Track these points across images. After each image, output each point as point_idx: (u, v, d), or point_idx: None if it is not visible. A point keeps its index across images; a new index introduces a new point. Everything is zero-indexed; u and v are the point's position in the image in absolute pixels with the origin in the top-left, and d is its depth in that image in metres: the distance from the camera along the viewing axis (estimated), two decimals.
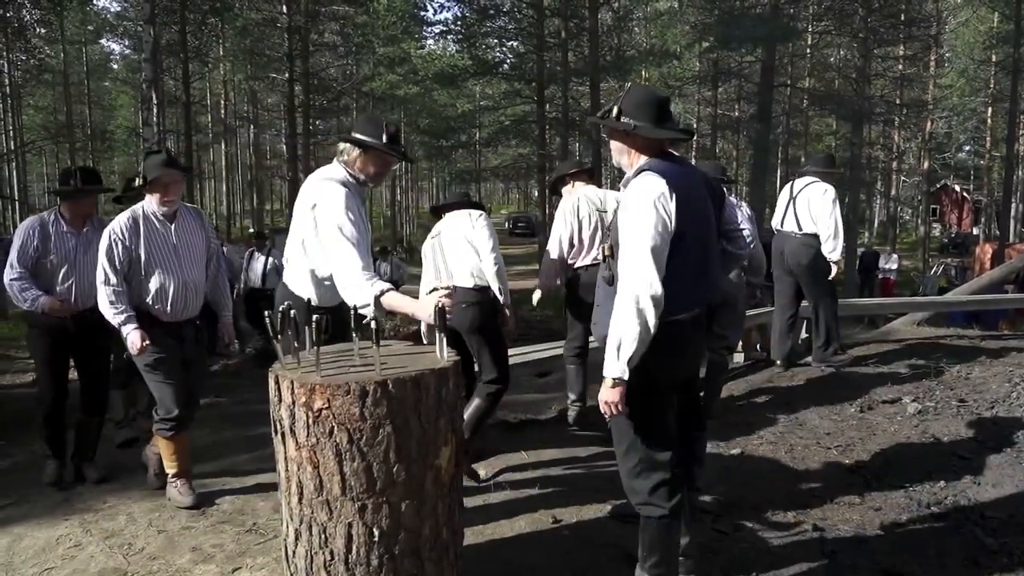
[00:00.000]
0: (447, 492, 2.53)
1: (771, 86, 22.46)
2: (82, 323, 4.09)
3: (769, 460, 4.25)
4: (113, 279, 3.59)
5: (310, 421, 2.35)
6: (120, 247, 3.61)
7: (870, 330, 9.02)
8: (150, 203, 3.72)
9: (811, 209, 5.73)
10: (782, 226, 5.94)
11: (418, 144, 31.95)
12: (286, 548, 2.55)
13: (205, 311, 4.04)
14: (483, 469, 4.11)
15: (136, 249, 3.63)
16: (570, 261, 4.54)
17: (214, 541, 3.29)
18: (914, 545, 3.24)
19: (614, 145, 2.63)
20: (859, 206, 28.86)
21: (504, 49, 25.13)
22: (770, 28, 19.81)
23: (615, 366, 2.38)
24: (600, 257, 3.01)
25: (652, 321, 2.35)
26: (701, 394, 3.24)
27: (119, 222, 3.65)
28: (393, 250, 15.09)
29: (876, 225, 42.71)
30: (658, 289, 2.35)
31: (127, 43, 34.85)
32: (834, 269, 5.80)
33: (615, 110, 2.55)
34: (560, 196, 4.80)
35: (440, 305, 2.62)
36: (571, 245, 4.52)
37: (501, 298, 4.06)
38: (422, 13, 29.45)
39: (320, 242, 2.99)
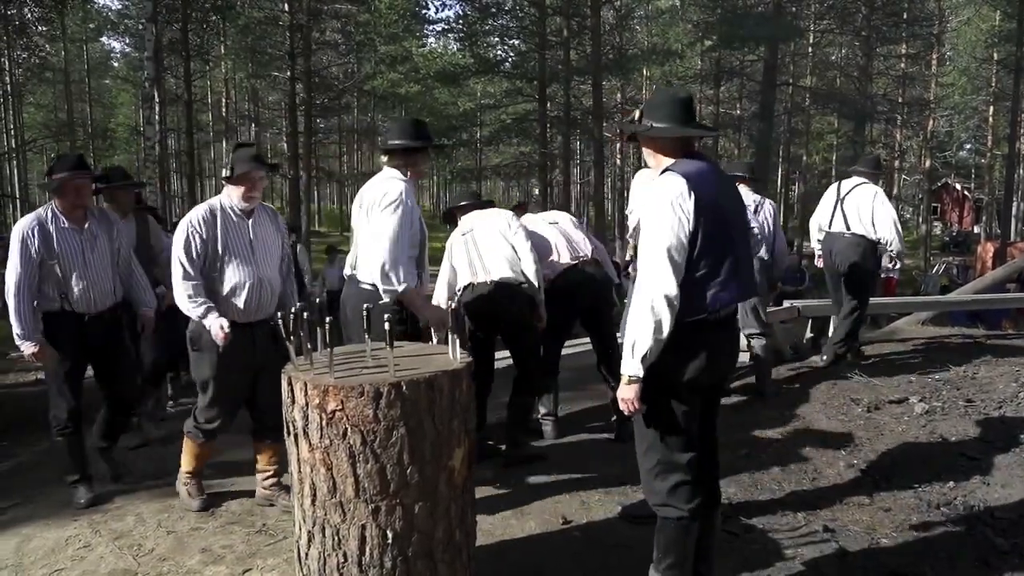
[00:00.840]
0: (460, 494, 2.53)
1: (773, 85, 22.48)
2: (99, 325, 3.86)
3: (777, 460, 4.24)
4: (192, 272, 3.41)
5: (324, 423, 2.35)
6: (198, 239, 3.42)
7: (873, 330, 9.00)
8: (230, 197, 3.54)
9: (862, 211, 5.84)
10: (830, 227, 6.02)
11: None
12: (299, 550, 2.55)
13: None
14: (491, 470, 4.11)
15: (214, 243, 3.45)
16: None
17: (224, 542, 3.28)
18: (924, 546, 3.23)
19: (644, 149, 2.65)
20: None
21: (506, 47, 25.13)
22: (772, 27, 19.81)
23: (630, 364, 2.40)
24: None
25: (666, 320, 2.35)
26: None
27: (196, 214, 3.46)
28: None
29: None
30: (672, 290, 2.35)
31: (128, 41, 34.82)
32: (897, 265, 5.98)
33: (638, 114, 2.57)
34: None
35: (453, 307, 2.62)
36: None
37: (540, 295, 4.18)
38: (424, 11, 29.50)
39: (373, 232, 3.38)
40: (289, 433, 2.49)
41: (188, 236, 3.42)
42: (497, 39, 24.38)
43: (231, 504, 3.73)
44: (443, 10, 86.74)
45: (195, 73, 24.87)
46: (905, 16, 25.18)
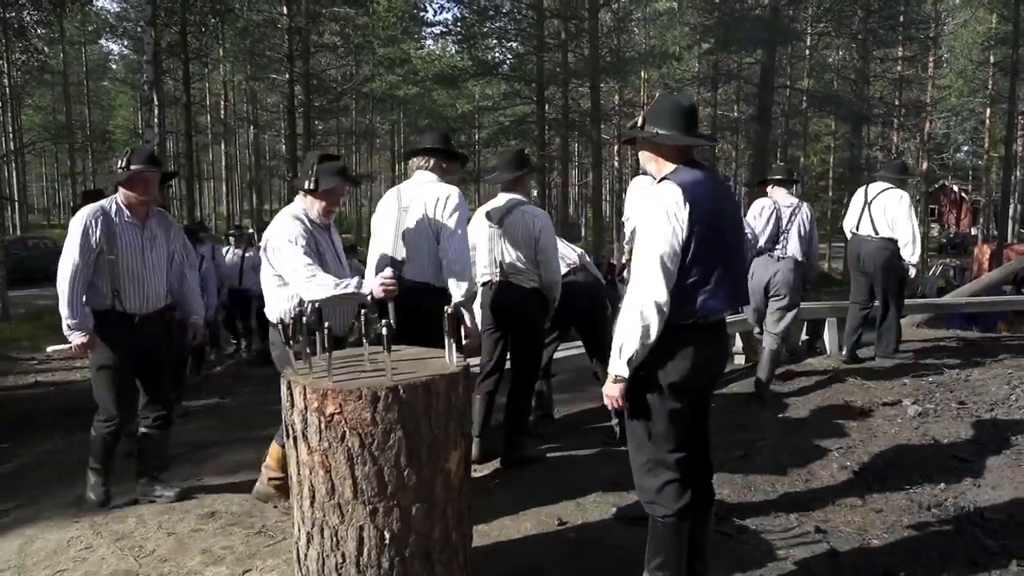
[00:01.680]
0: (456, 495, 2.57)
1: (770, 87, 22.55)
2: (148, 327, 3.73)
3: (771, 462, 4.28)
4: (317, 266, 3.29)
5: (322, 426, 2.39)
6: (311, 247, 3.34)
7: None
8: (312, 208, 3.44)
9: (887, 215, 6.04)
10: (857, 230, 6.23)
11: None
12: (298, 551, 2.59)
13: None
14: (488, 471, 4.15)
15: (315, 253, 3.37)
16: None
17: (224, 543, 3.32)
18: (915, 546, 3.27)
19: (642, 155, 2.69)
20: None
21: (504, 50, 25.24)
22: (769, 30, 19.88)
23: (616, 363, 2.49)
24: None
25: (654, 325, 2.42)
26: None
27: (296, 229, 3.33)
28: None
29: None
30: (662, 296, 2.41)
31: (127, 44, 34.87)
32: (912, 271, 6.16)
33: (641, 119, 2.62)
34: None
35: (450, 312, 2.66)
36: None
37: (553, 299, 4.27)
38: (422, 14, 29.51)
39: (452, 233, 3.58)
40: (288, 436, 2.53)
41: (298, 245, 3.29)
42: (495, 41, 24.47)
43: (231, 505, 3.76)
44: (441, 12, 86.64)
45: (194, 75, 24.95)
46: (902, 19, 25.27)
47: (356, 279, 3.29)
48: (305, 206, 3.46)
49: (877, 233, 6.08)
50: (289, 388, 2.49)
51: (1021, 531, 3.37)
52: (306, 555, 2.53)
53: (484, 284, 4.18)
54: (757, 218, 5.54)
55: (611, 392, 2.53)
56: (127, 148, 3.74)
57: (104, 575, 3.12)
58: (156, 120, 14.64)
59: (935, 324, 9.47)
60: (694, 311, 2.48)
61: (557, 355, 5.49)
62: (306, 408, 2.42)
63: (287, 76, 22.62)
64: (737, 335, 6.73)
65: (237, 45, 25.39)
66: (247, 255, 9.80)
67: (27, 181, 41.06)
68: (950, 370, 5.90)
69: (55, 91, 35.10)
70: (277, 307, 3.45)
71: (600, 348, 4.57)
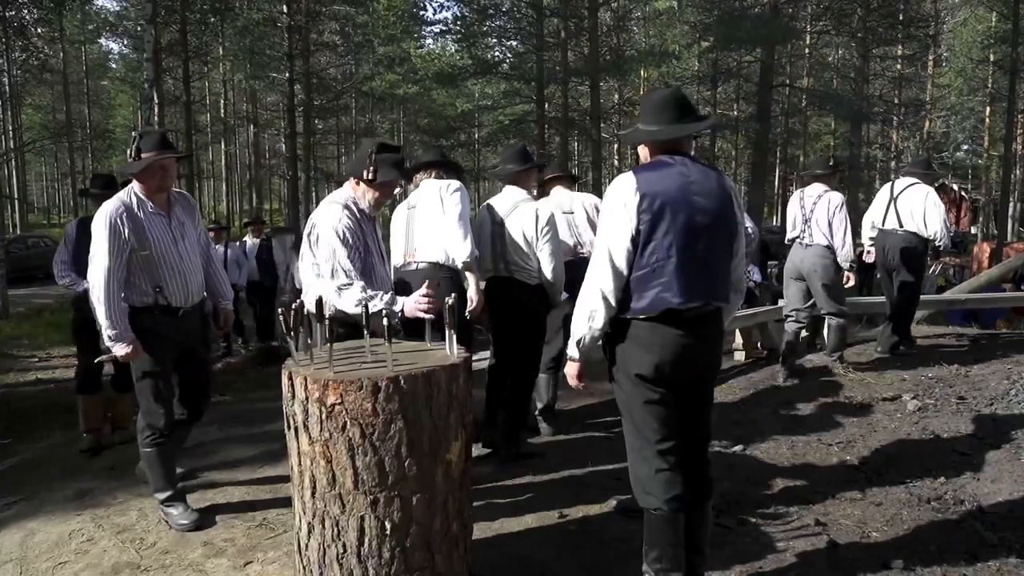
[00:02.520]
0: (457, 486, 2.58)
1: (770, 86, 22.54)
2: (191, 320, 3.57)
3: (771, 456, 4.29)
4: (356, 273, 3.21)
5: (323, 416, 2.40)
6: (358, 240, 3.27)
7: (869, 329, 9.06)
8: (363, 198, 3.37)
9: (913, 209, 6.20)
10: (883, 224, 6.37)
11: (418, 143, 31.98)
12: (299, 541, 2.60)
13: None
14: (488, 466, 4.16)
15: (363, 245, 3.33)
16: None
17: (225, 535, 3.33)
18: (914, 539, 3.28)
19: (639, 150, 2.73)
20: (858, 205, 28.91)
21: (503, 48, 25.25)
22: (769, 28, 19.87)
23: (570, 345, 2.62)
24: None
25: (600, 312, 2.51)
26: None
27: (344, 216, 3.25)
28: None
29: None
30: (607, 284, 2.49)
31: (127, 42, 34.89)
32: (937, 267, 6.27)
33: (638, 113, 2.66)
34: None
35: (450, 303, 2.67)
36: None
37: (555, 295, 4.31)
38: (422, 12, 29.56)
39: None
40: (289, 427, 2.54)
41: (343, 240, 3.21)
42: (495, 40, 24.48)
43: (232, 499, 3.77)
44: (441, 11, 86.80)
45: (194, 74, 24.95)
46: (901, 17, 25.25)
47: (389, 295, 3.17)
48: (356, 195, 3.37)
49: (902, 227, 6.23)
50: (290, 379, 2.50)
51: (1021, 524, 3.38)
52: (307, 545, 2.54)
53: (489, 280, 4.19)
54: (790, 209, 6.00)
55: (567, 371, 2.69)
56: (134, 134, 3.44)
57: (106, 567, 3.13)
58: (156, 119, 14.63)
59: (935, 321, 9.49)
60: (649, 303, 2.48)
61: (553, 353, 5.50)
62: (307, 399, 2.43)
63: (287, 75, 22.64)
64: (736, 331, 6.74)
65: (237, 44, 25.38)
66: (228, 250, 9.98)
67: (27, 180, 41.06)
68: (950, 366, 5.91)
69: (55, 90, 35.08)
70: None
71: None
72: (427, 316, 2.98)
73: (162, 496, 3.47)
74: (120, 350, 3.31)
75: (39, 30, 21.59)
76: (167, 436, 3.46)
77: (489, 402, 4.36)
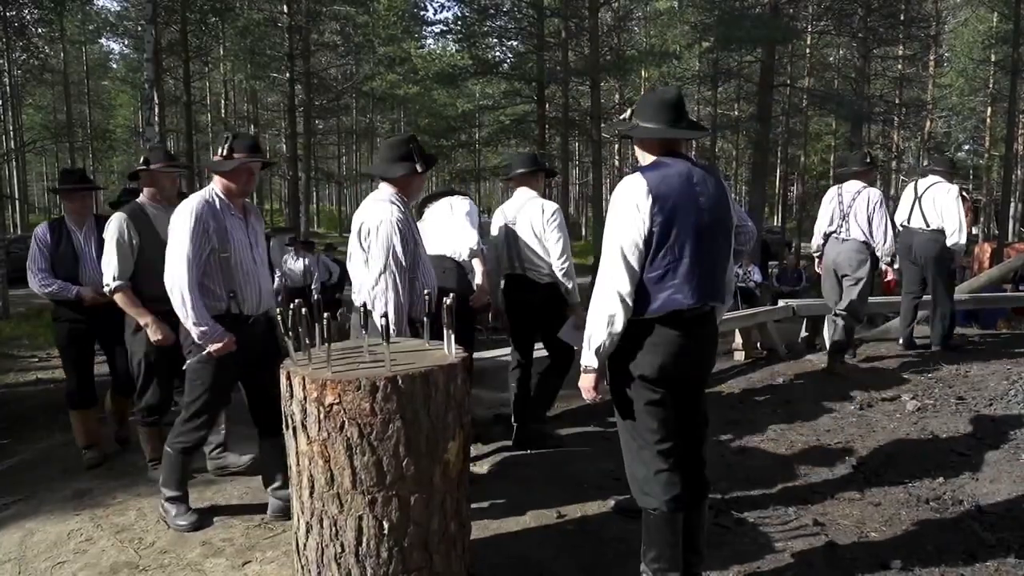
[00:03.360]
0: (455, 486, 2.58)
1: (771, 86, 22.52)
2: (259, 328, 3.44)
3: (770, 456, 4.30)
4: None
5: (321, 416, 2.41)
6: (408, 232, 3.31)
7: (869, 329, 9.06)
8: (399, 199, 3.43)
9: (936, 206, 6.29)
10: (909, 222, 6.48)
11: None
12: (297, 541, 2.60)
13: None
14: (487, 465, 4.16)
15: (413, 239, 3.38)
16: None
17: (224, 535, 3.34)
18: (912, 539, 3.28)
19: (634, 147, 2.71)
20: None
21: (504, 49, 25.22)
22: (770, 28, 19.85)
23: (586, 355, 2.55)
24: None
25: (619, 316, 2.46)
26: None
27: (400, 215, 3.30)
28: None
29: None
30: (624, 287, 2.45)
31: (127, 43, 34.86)
32: (957, 259, 6.44)
33: (629, 113, 2.63)
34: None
35: (448, 304, 2.67)
36: None
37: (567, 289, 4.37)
38: (422, 13, 29.59)
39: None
40: (287, 426, 2.54)
41: (402, 236, 3.28)
42: (495, 40, 24.45)
43: (231, 498, 3.78)
44: (441, 11, 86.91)
45: (194, 74, 24.96)
46: (902, 17, 25.21)
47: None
48: (396, 197, 3.41)
49: (928, 225, 6.31)
50: (288, 379, 2.50)
51: (1019, 525, 3.39)
52: (305, 545, 2.54)
53: (505, 277, 4.43)
54: (826, 205, 6.07)
55: (583, 383, 2.60)
56: (226, 134, 3.36)
57: (104, 567, 3.13)
58: (156, 119, 14.64)
59: None
60: (661, 304, 2.48)
61: None
62: (305, 398, 2.43)
63: (287, 75, 22.66)
64: (737, 331, 6.74)
65: (237, 44, 25.37)
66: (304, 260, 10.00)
67: (28, 180, 41.06)
68: (949, 366, 5.92)
69: (55, 90, 35.09)
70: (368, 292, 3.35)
71: None
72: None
73: (169, 494, 3.46)
74: (215, 347, 3.22)
75: (40, 30, 21.61)
76: (197, 449, 3.49)
77: (518, 402, 4.46)
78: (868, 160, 6.05)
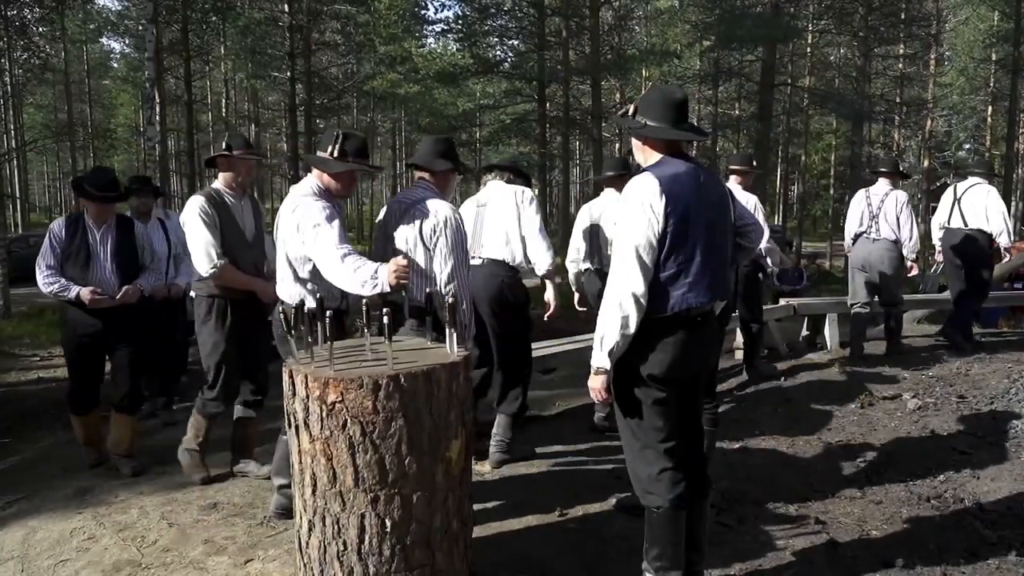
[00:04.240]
0: (457, 484, 2.59)
1: (771, 85, 22.52)
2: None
3: (771, 455, 4.30)
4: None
5: (324, 414, 2.41)
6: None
7: (871, 328, 9.06)
8: (448, 188, 3.68)
9: (977, 208, 6.54)
10: (949, 223, 6.72)
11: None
12: (299, 539, 2.61)
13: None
14: (489, 464, 4.17)
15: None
16: None
17: (226, 533, 3.34)
18: (913, 537, 3.29)
19: (633, 143, 2.70)
20: None
21: (505, 48, 25.22)
22: (771, 27, 19.85)
23: (597, 355, 2.52)
24: None
25: (633, 316, 2.44)
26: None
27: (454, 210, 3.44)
28: None
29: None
30: (639, 288, 2.43)
31: (128, 42, 34.83)
32: (1007, 256, 6.81)
33: (632, 109, 2.61)
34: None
35: (450, 301, 2.68)
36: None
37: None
38: (423, 12, 29.53)
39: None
40: (290, 425, 2.54)
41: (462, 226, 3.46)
42: (496, 39, 24.46)
43: (233, 497, 3.78)
44: (442, 11, 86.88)
45: (195, 74, 24.95)
46: (903, 16, 25.22)
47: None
48: (433, 183, 3.59)
49: (967, 225, 6.54)
50: (291, 377, 2.50)
51: (1020, 522, 3.39)
52: (308, 543, 2.55)
53: (586, 272, 4.72)
54: (855, 207, 6.45)
55: (594, 384, 2.56)
56: (337, 131, 3.28)
57: (107, 565, 3.14)
58: (157, 118, 14.65)
59: (936, 320, 9.47)
60: (672, 305, 2.48)
61: (554, 351, 5.53)
62: (308, 397, 2.44)
63: (288, 74, 22.63)
64: (737, 331, 6.74)
65: (238, 43, 25.36)
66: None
67: (29, 179, 41.08)
68: (950, 365, 5.92)
69: (56, 89, 35.10)
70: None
71: None
72: (402, 284, 2.91)
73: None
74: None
75: (41, 29, 21.59)
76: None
77: None
78: (898, 165, 6.52)
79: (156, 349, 5.11)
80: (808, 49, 28.82)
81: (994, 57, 29.16)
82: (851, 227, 6.45)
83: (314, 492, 2.48)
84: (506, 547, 3.17)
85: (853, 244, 6.41)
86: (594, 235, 4.70)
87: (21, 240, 22.58)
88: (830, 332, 7.01)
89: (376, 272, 2.85)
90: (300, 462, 2.52)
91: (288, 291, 3.27)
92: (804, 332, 7.37)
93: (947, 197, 6.83)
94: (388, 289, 2.83)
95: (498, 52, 25.05)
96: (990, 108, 31.73)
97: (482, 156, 32.53)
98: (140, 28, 25.40)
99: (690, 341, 2.54)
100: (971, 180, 6.72)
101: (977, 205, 6.52)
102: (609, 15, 25.56)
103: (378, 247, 3.54)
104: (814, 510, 3.56)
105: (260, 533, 3.34)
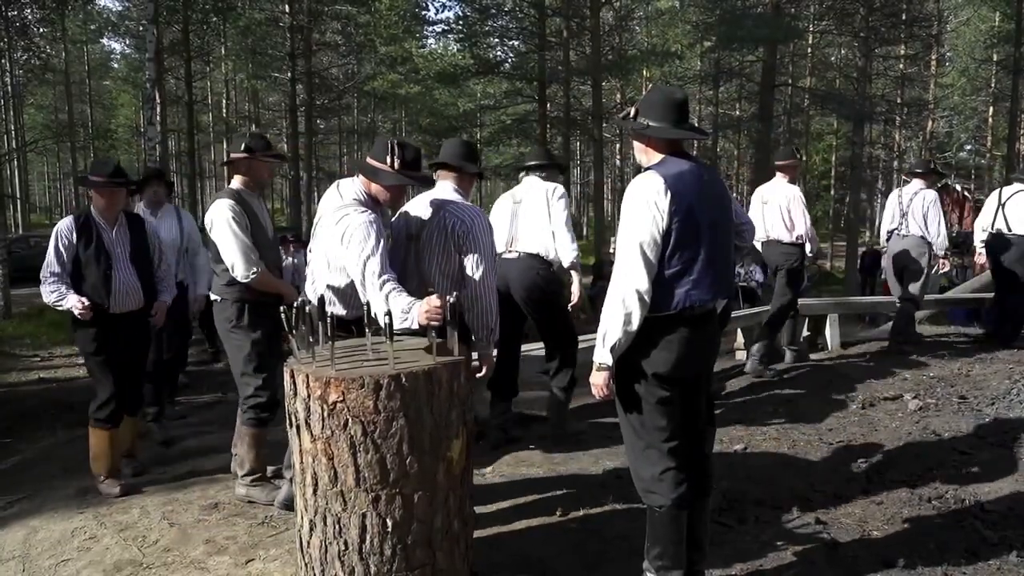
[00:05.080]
0: (458, 484, 2.59)
1: (772, 85, 22.53)
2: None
3: (772, 455, 4.30)
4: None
5: (325, 414, 2.41)
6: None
7: (871, 328, 9.06)
8: (468, 188, 3.81)
9: (1020, 212, 6.65)
10: (992, 228, 6.84)
11: (420, 143, 31.92)
12: (300, 539, 2.61)
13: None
14: (490, 464, 4.17)
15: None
16: None
17: (227, 533, 3.34)
18: (915, 538, 3.28)
19: (634, 145, 2.70)
20: (860, 205, 28.87)
21: (505, 48, 25.19)
22: (771, 28, 19.85)
23: (600, 352, 2.53)
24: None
25: (636, 313, 2.45)
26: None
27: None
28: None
29: (877, 224, 42.75)
30: (643, 284, 2.44)
31: (129, 42, 34.88)
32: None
33: (633, 110, 2.62)
34: None
35: (451, 301, 2.68)
36: None
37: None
38: (424, 12, 29.51)
39: None
40: (291, 424, 2.54)
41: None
42: (497, 40, 24.43)
43: (234, 497, 3.78)
44: (443, 11, 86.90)
45: (196, 74, 24.98)
46: (904, 17, 25.19)
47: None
48: (459, 185, 3.70)
49: (1011, 230, 6.64)
50: (292, 377, 2.50)
51: (1021, 523, 3.38)
52: (309, 543, 2.55)
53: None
54: (889, 205, 6.79)
55: (596, 381, 2.58)
56: (391, 140, 3.17)
57: (108, 564, 3.14)
58: (158, 119, 14.65)
59: (937, 320, 9.48)
60: (676, 302, 2.49)
61: None
62: (309, 396, 2.44)
63: (289, 75, 22.66)
64: (738, 331, 6.75)
65: (239, 43, 25.42)
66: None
67: (29, 180, 41.10)
68: (951, 365, 5.92)
69: (57, 90, 35.15)
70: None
71: None
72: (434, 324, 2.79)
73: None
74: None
75: (41, 30, 21.62)
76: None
77: None
78: (932, 166, 6.82)
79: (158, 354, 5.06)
80: (809, 50, 28.85)
81: (995, 58, 29.18)
82: (885, 225, 6.78)
83: (315, 492, 2.48)
84: (507, 547, 3.17)
85: (887, 241, 6.73)
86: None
87: (22, 240, 22.60)
88: (831, 332, 7.01)
89: (409, 307, 2.77)
90: (301, 462, 2.52)
91: (319, 292, 3.21)
92: (805, 332, 7.37)
93: (991, 202, 6.97)
94: (416, 327, 2.79)
95: (499, 52, 25.04)
96: (991, 109, 31.77)
97: (483, 156, 32.54)
98: (141, 28, 25.37)
99: (694, 339, 2.55)
100: (1016, 186, 6.83)
101: (1021, 211, 6.63)
102: (610, 15, 25.56)
103: (398, 247, 3.49)
104: (815, 510, 3.56)
105: (261, 533, 3.34)
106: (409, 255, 3.50)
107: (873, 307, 9.61)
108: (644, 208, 2.45)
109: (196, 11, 19.18)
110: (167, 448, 4.91)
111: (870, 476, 3.98)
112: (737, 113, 31.53)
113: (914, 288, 6.47)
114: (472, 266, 3.34)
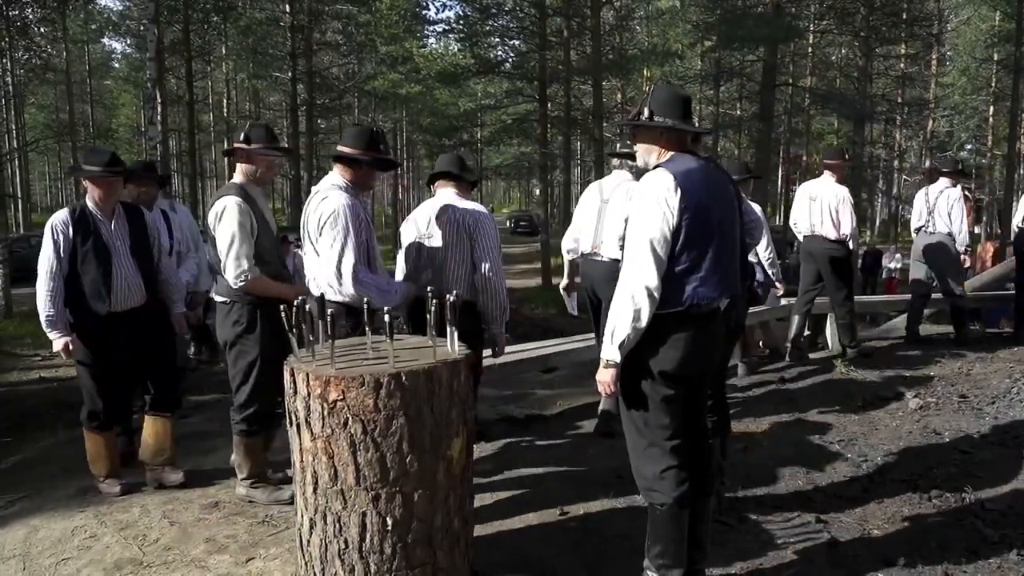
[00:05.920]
0: (458, 482, 2.59)
1: (773, 85, 22.51)
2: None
3: (772, 454, 4.29)
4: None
5: (325, 412, 2.41)
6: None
7: (872, 328, 9.06)
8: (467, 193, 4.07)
9: None
10: (1022, 225, 7.02)
11: (420, 143, 31.99)
12: (300, 537, 2.61)
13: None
14: (491, 463, 4.17)
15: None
16: None
17: (227, 532, 3.34)
18: (915, 537, 3.28)
19: (641, 146, 2.69)
20: (861, 205, 28.85)
21: (506, 48, 25.22)
22: (772, 27, 19.84)
23: (608, 348, 2.51)
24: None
25: (645, 310, 2.44)
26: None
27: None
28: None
29: (878, 224, 42.73)
30: (652, 281, 2.44)
31: (129, 42, 34.90)
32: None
33: (646, 111, 2.61)
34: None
35: (452, 300, 2.68)
36: None
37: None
38: (424, 12, 29.59)
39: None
40: (291, 423, 2.55)
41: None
42: (497, 39, 24.46)
43: (234, 495, 3.78)
44: (444, 11, 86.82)
45: (197, 74, 24.98)
46: (904, 16, 25.21)
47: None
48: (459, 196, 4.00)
49: None
50: (292, 375, 2.51)
51: (1021, 521, 3.38)
52: (309, 541, 2.55)
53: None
54: (917, 204, 6.99)
55: (603, 377, 2.56)
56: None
57: (108, 563, 3.14)
58: (159, 118, 14.62)
59: (938, 319, 9.47)
60: (684, 299, 2.49)
61: (554, 350, 5.53)
62: (309, 395, 2.44)
63: (290, 74, 22.67)
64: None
65: (240, 43, 25.43)
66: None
67: (30, 179, 41.10)
68: (952, 364, 5.92)
69: (58, 89, 35.17)
70: None
71: None
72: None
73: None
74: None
75: (42, 29, 21.63)
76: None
77: None
78: (959, 165, 7.01)
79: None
80: (809, 49, 28.84)
81: (996, 57, 29.16)
82: (914, 222, 7.02)
83: (315, 490, 2.48)
84: (507, 546, 3.17)
85: (916, 237, 6.93)
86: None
87: (22, 240, 22.60)
88: (831, 332, 7.00)
89: (388, 285, 3.11)
90: (301, 460, 2.52)
91: (319, 289, 3.33)
92: (806, 332, 7.36)
93: (1023, 201, 7.13)
94: (397, 303, 3.06)
95: (499, 52, 25.05)
96: (992, 108, 31.74)
97: (483, 156, 32.55)
98: (141, 28, 25.40)
99: (700, 338, 2.55)
100: None
101: None
102: (610, 15, 25.57)
103: (411, 248, 4.01)
104: (815, 509, 3.56)
105: (261, 531, 3.34)
106: (422, 251, 3.95)
107: (875, 307, 9.61)
108: (655, 205, 2.45)
109: (197, 11, 19.20)
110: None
111: (870, 475, 3.98)
112: (738, 113, 31.51)
113: (946, 280, 6.66)
114: (482, 251, 3.79)
